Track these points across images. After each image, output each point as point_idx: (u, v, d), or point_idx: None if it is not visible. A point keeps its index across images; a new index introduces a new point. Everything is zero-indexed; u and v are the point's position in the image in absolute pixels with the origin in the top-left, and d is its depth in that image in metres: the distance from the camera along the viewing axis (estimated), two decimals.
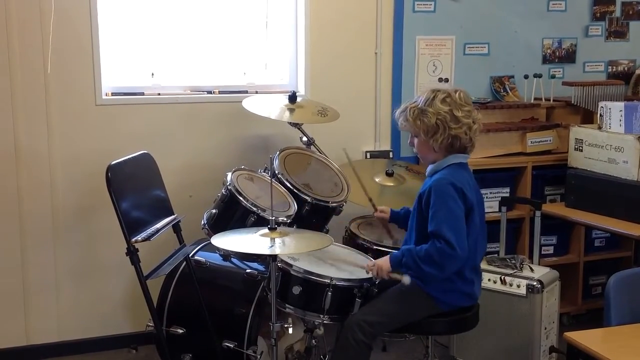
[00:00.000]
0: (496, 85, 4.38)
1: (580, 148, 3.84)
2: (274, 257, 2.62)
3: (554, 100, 4.31)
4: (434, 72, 4.23)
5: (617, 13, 4.59)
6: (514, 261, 3.48)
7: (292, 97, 3.58)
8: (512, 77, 4.40)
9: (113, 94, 3.75)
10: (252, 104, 3.56)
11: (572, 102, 4.21)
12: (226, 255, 3.17)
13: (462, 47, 4.28)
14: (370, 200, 3.13)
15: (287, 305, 2.75)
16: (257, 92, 3.92)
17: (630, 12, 4.62)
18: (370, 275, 2.75)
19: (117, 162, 2.85)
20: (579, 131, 3.87)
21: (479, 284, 2.78)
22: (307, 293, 2.72)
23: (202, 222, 3.20)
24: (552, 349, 3.43)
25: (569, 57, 4.54)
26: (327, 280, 2.69)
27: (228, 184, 3.11)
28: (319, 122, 3.61)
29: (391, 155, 4.13)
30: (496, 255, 3.68)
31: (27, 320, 3.70)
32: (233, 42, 3.95)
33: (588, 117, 4.24)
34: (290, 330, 2.99)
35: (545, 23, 4.45)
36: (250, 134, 3.91)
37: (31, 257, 3.66)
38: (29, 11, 3.49)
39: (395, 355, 3.76)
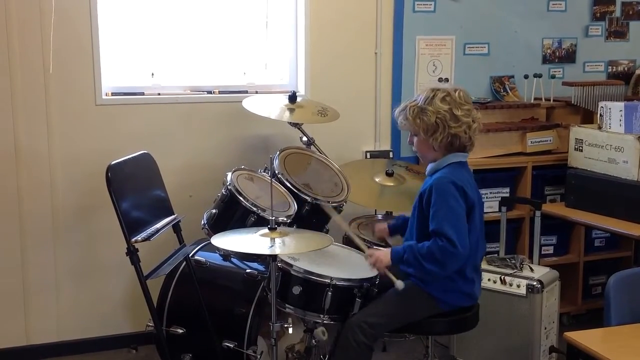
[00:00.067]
0: (496, 85, 4.38)
1: (580, 148, 3.84)
2: (274, 257, 2.62)
3: (554, 100, 4.31)
4: (434, 72, 4.23)
5: (617, 13, 4.59)
6: (514, 261, 3.48)
7: (292, 97, 3.58)
8: (512, 77, 4.40)
9: (113, 94, 3.75)
10: (252, 104, 3.56)
11: (572, 102, 4.21)
12: (226, 255, 3.17)
13: (462, 47, 4.28)
14: (365, 240, 3.07)
15: (287, 305, 2.75)
16: (257, 92, 3.92)
17: (630, 12, 4.62)
18: (370, 275, 2.75)
19: (117, 162, 2.85)
20: (579, 131, 3.88)
21: (479, 283, 2.78)
22: (307, 293, 2.72)
23: (202, 222, 3.20)
24: (552, 349, 3.43)
25: (569, 57, 4.54)
26: (327, 280, 2.69)
27: (228, 184, 3.11)
28: (319, 122, 3.61)
29: (391, 155, 4.13)
30: (496, 255, 3.68)
31: (27, 320, 3.70)
32: (233, 42, 3.95)
33: (588, 117, 4.24)
34: (290, 330, 2.98)
35: (545, 23, 4.45)
36: (250, 134, 3.91)
37: (31, 257, 3.66)
38: (29, 11, 3.49)
39: (395, 355, 3.76)
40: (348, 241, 3.31)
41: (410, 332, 2.92)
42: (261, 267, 3.12)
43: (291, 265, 2.73)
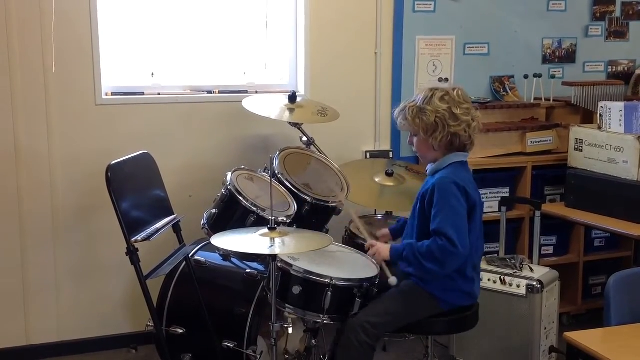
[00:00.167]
0: (496, 85, 4.38)
1: (580, 148, 3.84)
2: (273, 257, 2.62)
3: (554, 100, 4.31)
4: (434, 72, 4.23)
5: (617, 13, 4.59)
6: (513, 261, 3.48)
7: (292, 97, 3.58)
8: (512, 77, 4.40)
9: (113, 93, 3.75)
10: (252, 104, 3.56)
11: (572, 102, 4.22)
12: (226, 255, 3.17)
13: (462, 47, 4.28)
14: (371, 234, 3.09)
15: (287, 305, 2.75)
16: (257, 92, 3.92)
17: (630, 12, 4.62)
18: (370, 275, 2.75)
19: (117, 162, 2.85)
20: (579, 131, 3.88)
21: (478, 283, 2.79)
22: (307, 293, 2.72)
23: (202, 222, 3.20)
24: (552, 349, 3.43)
25: (569, 57, 4.54)
26: (327, 280, 2.69)
27: (228, 183, 3.11)
28: (319, 122, 3.61)
29: (391, 155, 4.13)
30: (496, 255, 3.68)
31: (27, 320, 3.70)
32: (233, 42, 3.95)
33: (588, 117, 4.24)
34: (290, 330, 2.98)
35: (545, 23, 4.45)
36: (250, 134, 3.91)
37: (31, 257, 3.66)
38: (29, 11, 3.49)
39: (395, 355, 3.76)
40: (348, 241, 3.32)
41: (410, 332, 2.92)
42: (261, 267, 3.12)
43: (291, 265, 2.73)
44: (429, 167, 2.76)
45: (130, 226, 2.76)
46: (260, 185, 3.24)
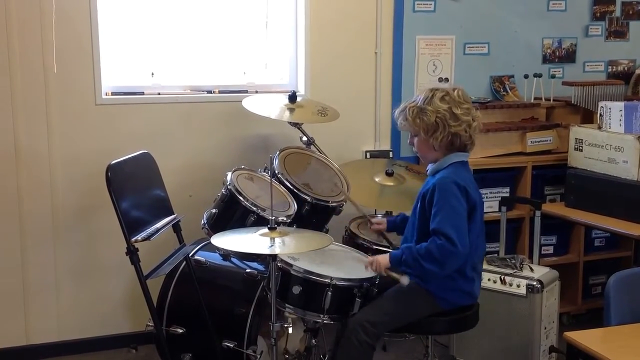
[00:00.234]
0: (496, 85, 4.38)
1: (580, 148, 3.84)
2: (273, 257, 2.62)
3: (554, 100, 4.31)
4: (434, 71, 4.23)
5: (617, 13, 4.59)
6: (513, 261, 3.48)
7: (292, 97, 3.58)
8: (512, 76, 4.40)
9: (113, 93, 3.75)
10: (252, 104, 3.56)
11: (572, 102, 4.21)
12: (226, 254, 3.17)
13: (462, 47, 4.28)
14: (365, 215, 3.13)
15: (287, 305, 2.75)
16: (257, 92, 3.92)
17: (630, 12, 4.62)
18: (370, 275, 2.75)
19: (117, 162, 2.85)
20: (579, 131, 3.87)
21: (478, 282, 2.79)
22: (307, 293, 2.72)
23: (202, 222, 3.20)
24: (552, 349, 3.43)
25: (569, 56, 4.54)
26: (327, 280, 2.69)
27: (228, 183, 3.11)
28: (319, 121, 3.61)
29: (391, 155, 4.13)
30: (496, 255, 3.68)
31: (27, 320, 3.70)
32: (233, 42, 3.95)
33: (588, 117, 4.24)
34: (290, 330, 2.98)
35: (545, 23, 4.45)
36: (250, 134, 3.91)
37: (31, 257, 3.66)
38: (29, 11, 3.49)
39: (395, 355, 3.76)
40: (348, 241, 3.32)
41: (410, 332, 2.93)
42: (261, 267, 3.12)
43: (291, 265, 2.73)
44: (430, 167, 2.76)
45: (130, 226, 2.76)
46: (260, 185, 3.24)
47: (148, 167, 3.11)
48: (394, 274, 2.65)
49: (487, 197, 3.96)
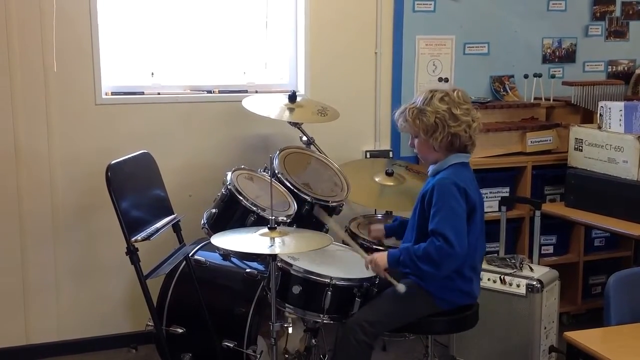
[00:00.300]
0: (496, 85, 4.38)
1: (580, 148, 3.84)
2: (273, 257, 2.62)
3: (553, 100, 4.31)
4: (433, 71, 4.23)
5: (617, 13, 4.59)
6: (513, 261, 3.48)
7: (292, 97, 3.58)
8: (512, 76, 4.40)
9: (113, 93, 3.75)
10: (252, 104, 3.56)
11: (572, 101, 4.22)
12: (226, 254, 3.17)
13: (462, 47, 4.28)
14: (363, 240, 3.14)
15: (287, 304, 2.75)
16: (257, 92, 3.92)
17: (630, 12, 4.62)
18: (369, 275, 2.75)
19: (117, 162, 2.85)
20: (578, 131, 3.88)
21: (477, 282, 2.78)
22: (307, 293, 2.72)
23: (202, 222, 3.20)
24: (551, 349, 3.43)
25: (569, 56, 4.54)
26: (327, 280, 2.69)
27: (228, 183, 3.11)
28: (319, 121, 3.61)
29: (391, 155, 4.13)
30: (496, 255, 3.68)
31: (27, 320, 3.70)
32: (233, 41, 3.95)
33: (588, 116, 4.24)
34: (290, 330, 2.98)
35: (545, 23, 4.45)
36: (250, 134, 3.91)
37: (31, 256, 3.66)
38: (29, 11, 3.49)
39: (395, 355, 3.76)
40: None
41: (410, 332, 2.92)
42: (261, 267, 3.12)
43: (291, 265, 2.73)
44: (431, 168, 2.76)
45: (130, 226, 2.76)
46: (260, 184, 3.24)
47: (148, 167, 3.11)
48: (392, 280, 2.65)
49: (487, 197, 3.96)
